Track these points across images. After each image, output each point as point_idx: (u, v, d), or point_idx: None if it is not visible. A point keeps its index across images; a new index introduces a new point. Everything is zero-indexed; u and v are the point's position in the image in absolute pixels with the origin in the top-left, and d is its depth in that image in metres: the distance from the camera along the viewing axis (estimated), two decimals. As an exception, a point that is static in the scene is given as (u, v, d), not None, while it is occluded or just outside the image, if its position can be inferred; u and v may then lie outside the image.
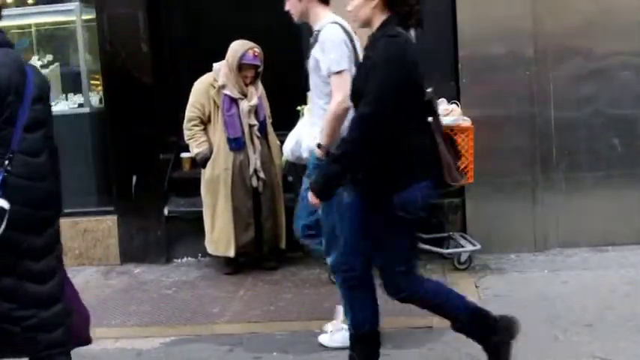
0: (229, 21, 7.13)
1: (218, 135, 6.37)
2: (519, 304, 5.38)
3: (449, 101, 6.22)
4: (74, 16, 7.19)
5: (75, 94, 7.36)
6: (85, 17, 7.22)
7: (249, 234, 6.43)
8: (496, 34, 6.43)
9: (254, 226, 6.44)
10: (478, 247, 6.20)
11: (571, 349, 4.57)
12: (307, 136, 5.77)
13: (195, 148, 6.40)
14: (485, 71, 6.45)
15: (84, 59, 7.23)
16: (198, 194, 6.58)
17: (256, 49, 6.31)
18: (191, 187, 6.81)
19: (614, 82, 6.51)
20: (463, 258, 6.19)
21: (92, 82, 7.37)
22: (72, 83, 7.43)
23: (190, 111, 6.39)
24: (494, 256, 6.37)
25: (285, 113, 6.56)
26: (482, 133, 6.08)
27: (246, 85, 6.38)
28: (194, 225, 6.65)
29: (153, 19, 7.03)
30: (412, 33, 4.04)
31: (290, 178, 6.14)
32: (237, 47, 6.33)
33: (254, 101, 6.39)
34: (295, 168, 6.01)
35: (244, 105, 6.35)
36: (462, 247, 6.25)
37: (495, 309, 5.25)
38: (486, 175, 6.28)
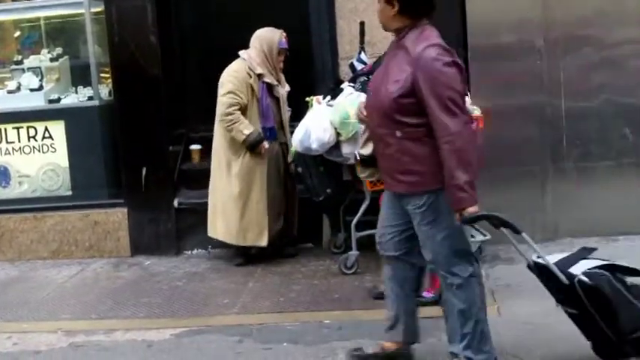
0: (238, 11, 7.12)
1: (253, 125, 6.33)
2: (530, 293, 5.35)
3: (458, 91, 6.21)
4: (83, 8, 7.18)
5: (84, 87, 7.36)
6: (93, 10, 7.21)
7: (279, 223, 6.48)
8: (506, 24, 6.40)
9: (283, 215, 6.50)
10: (488, 237, 6.15)
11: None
12: (316, 127, 5.80)
13: (245, 129, 6.22)
14: (495, 61, 6.41)
15: (93, 52, 7.22)
16: (208, 186, 6.57)
17: (284, 33, 6.35)
18: (201, 179, 6.81)
19: (625, 71, 6.46)
20: (473, 248, 6.16)
21: (102, 74, 7.37)
22: (81, 76, 7.43)
23: (231, 97, 6.23)
24: (505, 246, 6.29)
25: (294, 104, 6.56)
26: (492, 122, 6.04)
27: (281, 70, 6.40)
28: (204, 217, 6.65)
29: (162, 11, 7.02)
30: None
31: (299, 169, 6.12)
32: (271, 34, 6.34)
33: (287, 87, 6.41)
34: (304, 159, 6.02)
35: (283, 91, 6.36)
36: (472, 237, 6.21)
37: (506, 299, 5.28)
38: (496, 164, 6.25)
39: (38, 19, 7.69)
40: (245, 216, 6.37)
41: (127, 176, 7.09)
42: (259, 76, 6.29)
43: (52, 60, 7.52)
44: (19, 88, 7.44)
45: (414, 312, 4.35)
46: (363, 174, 5.51)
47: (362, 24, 6.55)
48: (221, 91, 6.28)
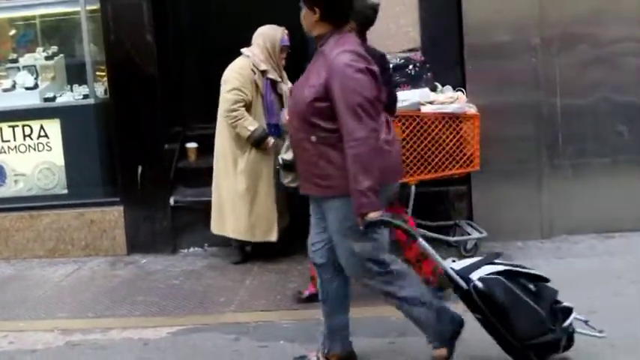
0: (235, 9, 7.12)
1: (258, 121, 6.32)
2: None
3: (455, 89, 6.23)
4: (79, 6, 7.17)
5: (80, 85, 7.35)
6: (89, 8, 7.20)
7: (285, 219, 6.48)
8: (502, 22, 6.41)
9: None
10: (484, 234, 6.19)
11: (577, 335, 4.56)
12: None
13: (250, 125, 6.22)
14: (491, 58, 6.42)
15: (89, 50, 7.21)
16: (204, 184, 6.57)
17: (286, 31, 6.36)
18: (197, 177, 6.81)
19: (621, 69, 6.48)
20: (469, 246, 6.18)
21: (97, 73, 7.36)
22: (77, 74, 7.43)
23: (236, 94, 6.22)
24: (501, 243, 6.35)
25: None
26: (488, 120, 6.06)
27: (283, 67, 6.42)
28: (200, 215, 6.65)
29: (158, 9, 7.01)
30: None
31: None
32: (274, 31, 6.35)
33: (290, 84, 6.43)
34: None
35: (286, 88, 6.38)
36: (469, 234, 6.24)
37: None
38: (492, 162, 6.27)
39: (34, 17, 7.68)
40: (253, 212, 6.36)
41: (123, 175, 7.08)
42: (263, 72, 6.29)
43: (47, 58, 7.51)
44: (14, 87, 7.42)
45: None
46: (286, 179, 5.49)
47: (358, 22, 6.55)
48: (225, 87, 6.26)
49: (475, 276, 3.87)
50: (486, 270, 3.91)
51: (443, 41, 6.54)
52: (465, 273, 3.92)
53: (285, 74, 6.47)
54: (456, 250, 6.23)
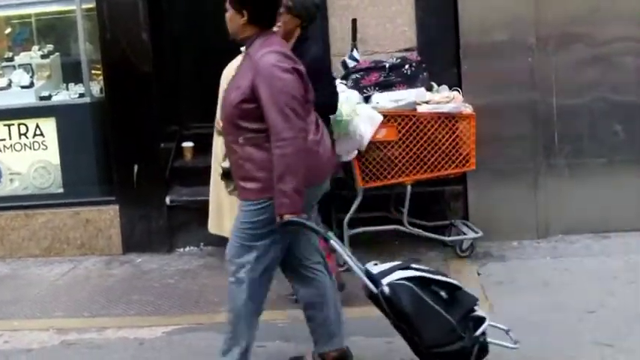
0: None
1: None
2: (522, 291, 5.38)
3: (450, 88, 6.22)
4: (74, 5, 7.15)
5: (76, 84, 7.33)
6: (85, 6, 7.18)
7: None
8: (498, 21, 6.41)
9: None
10: (480, 234, 6.18)
11: (573, 335, 4.57)
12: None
13: None
14: (486, 58, 6.42)
15: (84, 49, 7.20)
16: (201, 183, 6.56)
17: None
18: (193, 177, 6.80)
19: (617, 69, 6.48)
20: (465, 245, 6.18)
21: (93, 71, 7.35)
22: (72, 73, 7.41)
23: None
24: (497, 243, 6.36)
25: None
26: (484, 120, 6.07)
27: None
28: (196, 214, 6.65)
29: (153, 8, 7.00)
30: None
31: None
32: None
33: None
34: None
35: None
36: (464, 234, 6.24)
37: (498, 296, 5.29)
38: (488, 162, 6.27)
39: (29, 15, 7.67)
40: None
41: (119, 173, 7.07)
42: None
43: (43, 57, 7.49)
44: (9, 85, 7.41)
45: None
46: (227, 188, 5.44)
47: (354, 21, 6.56)
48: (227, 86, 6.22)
49: (386, 281, 3.84)
50: (399, 275, 3.85)
51: (439, 41, 6.54)
52: (379, 277, 3.89)
53: None
54: (452, 250, 6.23)
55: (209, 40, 7.07)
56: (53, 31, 7.80)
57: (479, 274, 5.81)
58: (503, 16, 6.39)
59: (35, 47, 7.56)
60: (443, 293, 3.83)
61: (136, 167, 6.97)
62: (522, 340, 4.31)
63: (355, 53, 6.42)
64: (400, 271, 3.88)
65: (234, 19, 4.06)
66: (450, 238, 6.29)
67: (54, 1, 7.41)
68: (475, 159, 6.01)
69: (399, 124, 5.87)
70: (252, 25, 4.02)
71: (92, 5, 7.09)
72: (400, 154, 5.91)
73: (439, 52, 6.49)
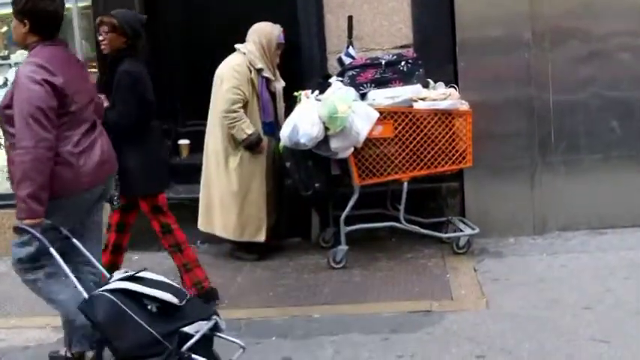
0: (225, 7, 7.08)
1: (253, 120, 6.25)
2: (518, 287, 5.38)
3: (447, 85, 6.22)
4: (70, 3, 7.12)
5: (71, 81, 7.31)
6: (81, 4, 7.17)
7: (272, 218, 6.44)
8: (494, 17, 6.39)
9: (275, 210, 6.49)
10: (477, 231, 6.18)
11: (570, 331, 4.57)
12: (305, 122, 5.79)
13: (247, 129, 6.13)
14: (483, 54, 6.40)
15: (80, 46, 7.19)
16: (196, 181, 6.55)
17: (281, 28, 6.35)
18: (189, 174, 6.78)
19: (613, 64, 6.46)
20: (462, 242, 6.17)
21: (89, 69, 7.31)
22: (68, 71, 7.39)
23: (235, 93, 6.14)
24: (493, 239, 6.36)
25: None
26: (480, 116, 6.06)
27: (277, 65, 6.40)
28: (192, 211, 6.62)
29: (149, 6, 6.98)
30: None
31: (288, 164, 6.11)
32: (271, 28, 6.31)
33: (283, 82, 6.40)
34: (292, 153, 6.00)
35: (279, 86, 6.34)
36: (461, 231, 6.23)
37: (495, 293, 5.30)
38: (485, 158, 6.26)
39: (25, 13, 7.63)
40: (244, 211, 6.31)
41: (115, 171, 7.04)
42: (259, 71, 6.25)
43: (38, 55, 7.47)
44: (5, 84, 7.39)
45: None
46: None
47: (350, 18, 6.55)
48: (224, 85, 6.18)
49: (99, 290, 3.87)
50: (111, 285, 3.87)
51: (435, 38, 6.53)
52: (103, 285, 3.94)
53: (277, 72, 6.44)
54: (448, 247, 6.23)
55: (204, 38, 7.09)
56: (49, 29, 7.77)
57: (475, 270, 5.80)
58: (499, 12, 6.37)
59: (31, 45, 7.54)
60: (152, 306, 3.84)
61: (132, 165, 6.94)
62: (518, 335, 4.33)
63: (351, 50, 6.42)
64: (119, 282, 3.89)
65: (17, 28, 4.33)
66: (447, 235, 6.29)
67: (50, -1, 7.38)
68: (472, 156, 6.00)
69: (396, 120, 5.86)
70: (33, 34, 4.27)
71: (88, 3, 7.08)
72: (397, 150, 5.91)
73: (435, 49, 6.47)
